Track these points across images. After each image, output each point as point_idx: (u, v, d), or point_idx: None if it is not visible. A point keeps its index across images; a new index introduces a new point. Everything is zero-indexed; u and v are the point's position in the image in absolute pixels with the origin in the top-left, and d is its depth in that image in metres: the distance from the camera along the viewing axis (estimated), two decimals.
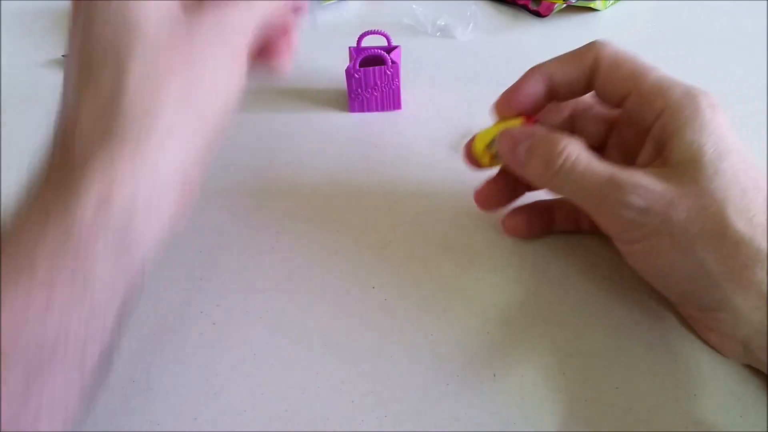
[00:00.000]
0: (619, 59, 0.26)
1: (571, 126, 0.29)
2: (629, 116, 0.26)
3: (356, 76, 0.38)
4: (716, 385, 0.25)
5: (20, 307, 0.19)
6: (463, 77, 0.43)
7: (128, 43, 0.22)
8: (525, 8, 0.50)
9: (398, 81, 0.39)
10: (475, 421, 0.24)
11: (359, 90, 0.39)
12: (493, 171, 0.30)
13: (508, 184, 0.30)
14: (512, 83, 0.28)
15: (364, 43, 0.40)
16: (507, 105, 0.28)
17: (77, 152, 0.21)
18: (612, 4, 0.50)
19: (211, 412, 0.25)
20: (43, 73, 0.45)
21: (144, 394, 0.26)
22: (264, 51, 0.27)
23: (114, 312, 0.21)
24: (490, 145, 0.28)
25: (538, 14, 0.49)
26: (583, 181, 0.24)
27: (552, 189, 0.26)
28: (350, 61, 0.39)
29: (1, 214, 0.21)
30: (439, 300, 0.29)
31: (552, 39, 0.47)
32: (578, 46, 0.27)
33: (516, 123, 0.28)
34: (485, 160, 0.29)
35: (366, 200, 0.34)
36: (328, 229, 0.32)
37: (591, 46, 0.27)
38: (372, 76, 0.39)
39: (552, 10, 0.49)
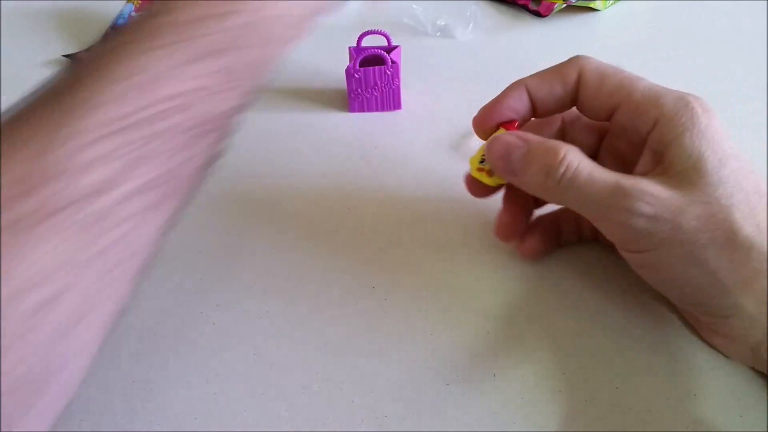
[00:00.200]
0: (603, 72, 0.25)
1: (562, 137, 0.28)
2: (622, 128, 0.26)
3: (356, 75, 0.38)
4: (716, 385, 0.25)
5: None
6: (463, 77, 0.43)
7: None
8: (525, 8, 0.50)
9: (398, 81, 0.39)
10: (475, 421, 0.24)
11: (359, 90, 0.39)
12: (500, 202, 0.29)
13: (519, 207, 0.29)
14: (492, 98, 0.28)
15: (364, 43, 0.40)
16: (487, 118, 0.27)
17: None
18: (612, 4, 0.50)
19: (211, 412, 0.25)
20: (42, 72, 0.45)
21: (144, 394, 0.26)
22: None
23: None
24: (483, 161, 0.27)
25: (538, 14, 0.49)
26: (587, 189, 0.23)
27: (552, 199, 0.26)
28: (350, 60, 0.39)
29: None
30: (439, 300, 0.29)
31: (552, 39, 0.47)
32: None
33: (501, 133, 0.27)
34: (484, 177, 0.28)
35: (366, 200, 0.34)
36: (328, 229, 0.32)
37: (573, 61, 0.26)
38: (372, 76, 0.39)
39: (552, 10, 0.49)
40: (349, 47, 0.40)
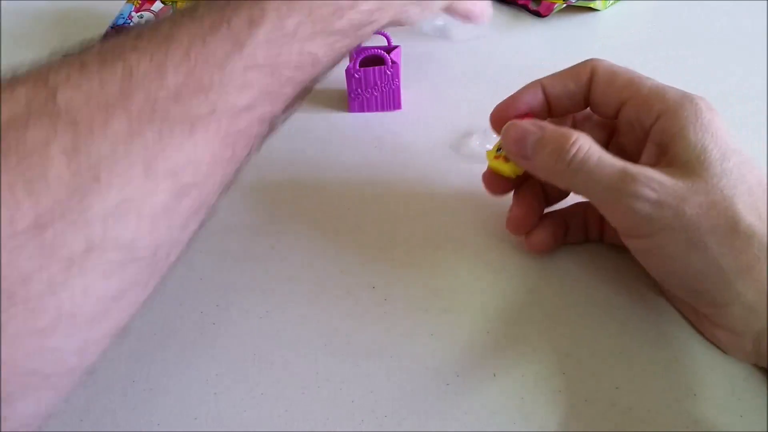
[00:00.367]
0: (614, 71, 0.27)
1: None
2: (628, 122, 0.27)
3: (356, 76, 0.38)
4: (716, 385, 0.25)
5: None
6: (463, 77, 0.43)
7: None
8: (525, 8, 0.50)
9: (398, 81, 0.39)
10: (475, 421, 0.24)
11: (359, 90, 0.39)
12: (502, 202, 0.30)
13: (530, 202, 0.29)
14: (511, 93, 0.29)
15: (364, 43, 0.40)
16: (504, 114, 0.29)
17: None
18: (612, 4, 0.50)
19: (211, 412, 0.25)
20: None
21: (144, 393, 0.26)
22: None
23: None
24: (499, 149, 0.28)
25: (538, 14, 0.49)
26: (595, 172, 0.24)
27: (563, 183, 0.26)
28: (350, 61, 0.39)
29: None
30: (439, 300, 0.29)
31: (552, 39, 0.47)
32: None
33: None
34: (501, 165, 0.28)
35: (366, 200, 0.34)
36: (328, 229, 0.32)
37: (587, 62, 0.28)
38: (372, 76, 0.39)
39: (552, 10, 0.49)
40: None
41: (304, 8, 0.23)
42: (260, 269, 0.30)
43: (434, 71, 0.44)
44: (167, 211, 0.20)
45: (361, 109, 0.40)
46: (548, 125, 0.27)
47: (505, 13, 0.50)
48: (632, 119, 0.26)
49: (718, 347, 0.26)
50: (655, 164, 0.25)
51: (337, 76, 0.41)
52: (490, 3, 0.34)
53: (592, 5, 0.49)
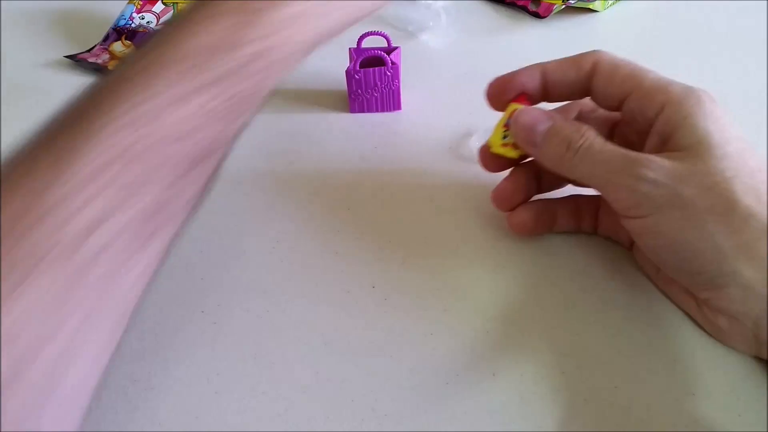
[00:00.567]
0: (617, 63, 0.27)
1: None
2: (631, 115, 0.27)
3: (356, 77, 0.39)
4: (715, 384, 0.25)
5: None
6: (463, 78, 0.43)
7: None
8: (524, 9, 0.50)
9: (398, 82, 0.39)
10: (475, 421, 0.24)
11: (359, 91, 0.39)
12: (508, 172, 0.31)
13: (523, 182, 0.30)
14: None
15: (364, 44, 0.40)
16: (502, 88, 0.29)
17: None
18: (611, 5, 0.50)
19: (212, 412, 0.25)
20: (43, 72, 0.45)
21: (145, 393, 0.26)
22: None
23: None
24: (505, 136, 0.29)
25: (538, 15, 0.49)
26: (600, 157, 0.25)
27: (565, 170, 0.27)
28: (350, 62, 0.39)
29: None
30: (439, 299, 0.29)
31: (551, 40, 0.47)
32: (578, 50, 0.28)
33: (520, 107, 0.29)
34: (509, 151, 0.29)
35: (366, 200, 0.34)
36: (329, 229, 0.32)
37: (591, 52, 0.28)
38: (372, 77, 0.39)
39: (551, 11, 0.49)
40: (350, 48, 0.40)
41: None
42: (261, 269, 0.31)
43: (434, 72, 0.44)
44: None
45: (362, 110, 0.40)
46: (556, 115, 0.27)
47: (505, 14, 0.51)
48: (635, 111, 0.26)
49: (718, 339, 0.26)
50: (658, 152, 0.25)
51: (338, 77, 0.41)
52: None
53: (591, 6, 0.49)
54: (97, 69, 0.45)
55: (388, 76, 0.39)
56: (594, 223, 0.30)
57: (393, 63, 0.38)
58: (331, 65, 0.43)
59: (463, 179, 0.34)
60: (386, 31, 0.40)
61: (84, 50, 0.47)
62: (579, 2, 0.49)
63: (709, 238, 0.23)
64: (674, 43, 0.46)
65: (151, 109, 0.20)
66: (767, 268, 0.23)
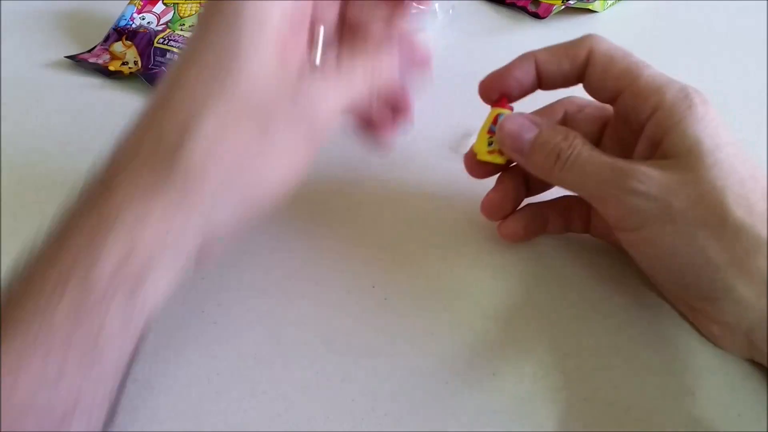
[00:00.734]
0: (613, 56, 0.26)
1: (564, 125, 0.29)
2: (623, 114, 0.27)
3: None
4: (715, 384, 0.25)
5: (36, 372, 0.18)
6: (463, 78, 0.43)
7: (225, 80, 0.21)
8: (524, 10, 0.50)
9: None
10: (475, 420, 0.24)
11: None
12: (494, 180, 0.30)
13: (511, 190, 0.29)
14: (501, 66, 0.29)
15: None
16: (493, 86, 0.29)
17: (117, 178, 0.20)
18: (611, 5, 0.50)
19: (212, 412, 0.25)
20: (43, 73, 0.45)
21: (145, 393, 0.26)
22: (368, 121, 0.28)
23: (121, 371, 0.21)
24: (491, 143, 0.28)
25: (537, 16, 0.49)
26: (586, 169, 0.25)
27: (553, 179, 0.26)
28: None
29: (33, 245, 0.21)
30: (439, 299, 0.29)
31: (551, 40, 0.46)
32: (573, 39, 0.27)
33: (508, 113, 0.28)
34: (497, 158, 0.28)
35: (366, 200, 0.34)
36: (329, 229, 0.32)
37: (585, 40, 0.27)
38: None
39: (551, 12, 0.49)
40: None
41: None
42: (261, 269, 0.31)
43: (434, 72, 0.44)
44: None
45: None
46: (542, 121, 0.27)
47: (504, 15, 0.51)
48: (628, 111, 0.26)
49: (714, 343, 0.26)
50: (648, 157, 0.25)
51: None
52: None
53: (590, 7, 0.49)
54: (98, 69, 0.45)
55: None
56: (586, 225, 0.30)
57: None
58: None
59: (463, 179, 0.34)
60: None
61: (84, 51, 0.47)
62: (578, 3, 0.49)
63: (700, 253, 0.23)
64: (674, 43, 0.46)
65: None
66: (766, 282, 0.22)
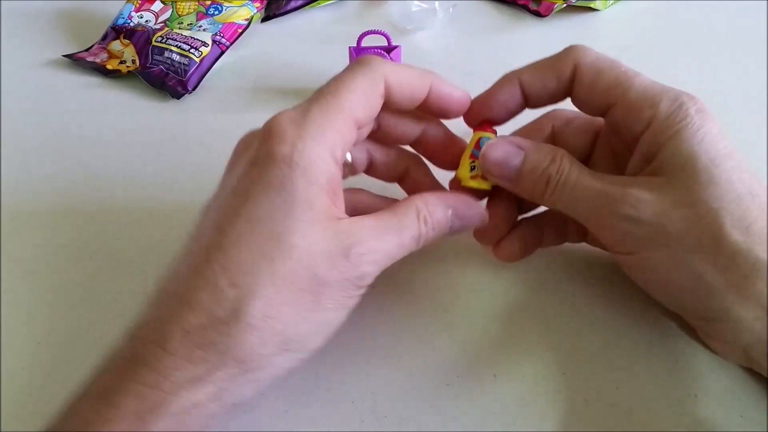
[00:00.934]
0: (600, 67, 0.25)
1: (553, 141, 0.28)
2: (616, 127, 0.25)
3: None
4: (717, 386, 0.25)
5: None
6: (463, 77, 0.43)
7: (275, 258, 0.21)
8: (525, 8, 0.50)
9: None
10: (476, 421, 0.24)
11: None
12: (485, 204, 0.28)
13: (502, 214, 0.28)
14: (485, 90, 0.27)
15: (365, 43, 0.39)
16: (478, 111, 0.27)
17: (168, 346, 0.20)
18: (612, 4, 0.50)
19: None
20: (43, 73, 0.45)
21: None
22: None
23: None
24: (473, 168, 0.27)
25: (539, 14, 0.49)
26: (575, 194, 0.24)
27: (546, 204, 0.26)
28: (350, 61, 0.39)
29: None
30: (439, 300, 0.29)
31: (552, 39, 0.47)
32: (556, 53, 0.25)
33: (491, 136, 0.27)
34: (482, 183, 0.27)
35: None
36: None
37: (569, 53, 0.25)
38: None
39: (552, 10, 0.49)
40: (350, 47, 0.40)
41: None
42: None
43: (434, 71, 0.44)
44: None
45: None
46: (528, 144, 0.25)
47: (506, 13, 0.50)
48: (620, 124, 0.25)
49: (713, 353, 0.26)
50: (642, 169, 0.24)
51: None
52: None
53: (592, 5, 0.49)
54: (96, 68, 0.45)
55: None
56: (582, 235, 0.29)
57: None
58: (331, 64, 0.43)
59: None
60: (386, 30, 0.40)
61: (82, 49, 0.47)
62: (580, 1, 0.49)
63: (696, 277, 0.22)
64: (675, 43, 0.46)
65: None
66: (766, 308, 0.22)
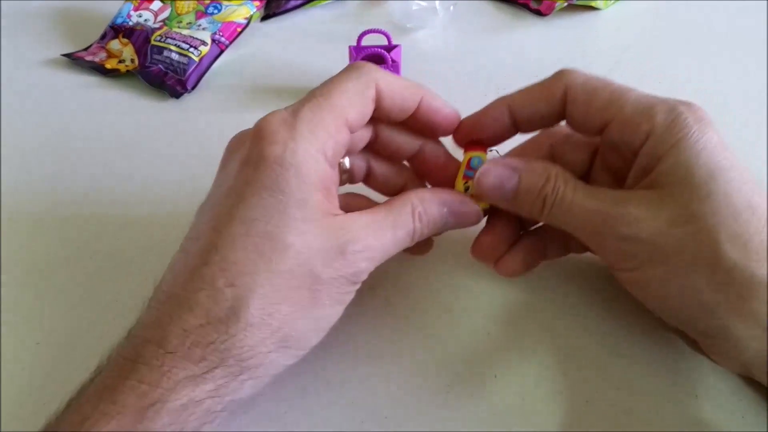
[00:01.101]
0: (593, 87, 0.24)
1: (551, 158, 0.28)
2: (613, 143, 0.25)
3: None
4: (718, 386, 0.25)
5: None
6: (464, 76, 0.43)
7: (272, 256, 0.21)
8: (526, 7, 0.50)
9: None
10: (476, 422, 0.24)
11: None
12: (484, 222, 0.28)
13: (503, 229, 0.27)
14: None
15: (365, 42, 0.39)
16: (467, 134, 0.27)
17: (169, 346, 0.20)
18: (613, 3, 0.50)
19: None
20: (42, 72, 0.45)
21: None
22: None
23: None
24: (467, 188, 0.26)
25: (540, 13, 0.49)
26: (572, 213, 0.24)
27: (544, 221, 0.26)
28: (350, 60, 0.39)
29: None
30: (440, 300, 0.29)
31: (553, 38, 0.47)
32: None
33: (481, 155, 0.26)
34: (479, 204, 0.26)
35: None
36: None
37: (559, 77, 0.25)
38: None
39: (553, 9, 0.48)
40: (350, 46, 0.40)
41: None
42: None
43: (434, 70, 0.44)
44: None
45: None
46: (521, 165, 0.25)
47: (506, 12, 0.50)
48: (618, 141, 0.24)
49: (714, 362, 0.25)
50: (640, 181, 0.24)
51: None
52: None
53: (593, 4, 0.49)
54: (95, 67, 0.44)
55: None
56: (586, 247, 0.28)
57: (393, 61, 0.38)
58: (331, 64, 0.43)
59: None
60: (386, 29, 0.40)
61: (81, 48, 0.47)
62: (581, 0, 0.49)
63: (696, 296, 0.22)
64: (675, 42, 0.46)
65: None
66: (766, 327, 0.21)
